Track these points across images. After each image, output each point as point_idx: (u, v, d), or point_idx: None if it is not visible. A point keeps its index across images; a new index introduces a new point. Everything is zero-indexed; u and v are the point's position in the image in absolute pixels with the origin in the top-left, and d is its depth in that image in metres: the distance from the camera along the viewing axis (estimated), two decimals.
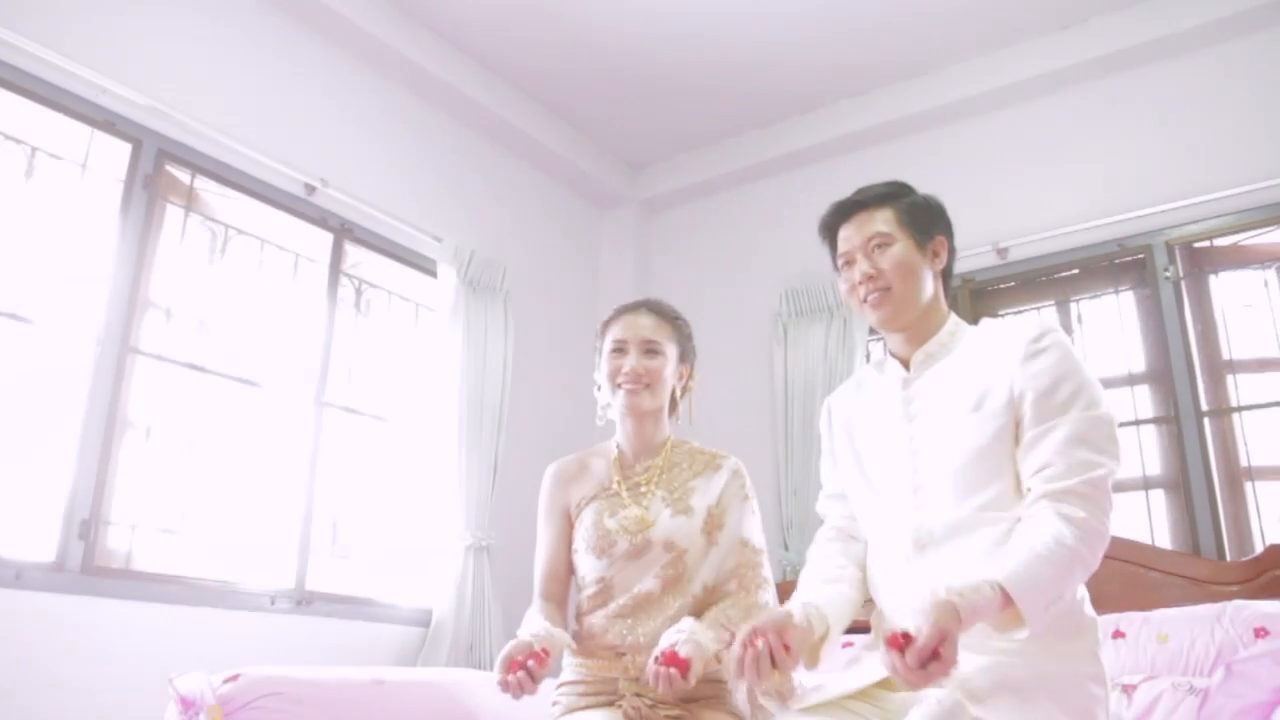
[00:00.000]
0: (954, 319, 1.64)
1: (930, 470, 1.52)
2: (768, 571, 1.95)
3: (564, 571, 2.02)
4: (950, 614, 1.21)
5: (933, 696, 1.31)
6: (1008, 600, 1.26)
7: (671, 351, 2.01)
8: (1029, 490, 1.39)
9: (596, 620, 1.93)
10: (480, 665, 3.41)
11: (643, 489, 1.98)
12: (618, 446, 2.06)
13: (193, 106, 3.09)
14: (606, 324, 2.07)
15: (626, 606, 1.89)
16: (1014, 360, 1.47)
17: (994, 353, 1.52)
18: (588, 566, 1.96)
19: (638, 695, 1.81)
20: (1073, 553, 1.31)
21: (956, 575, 1.43)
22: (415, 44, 3.72)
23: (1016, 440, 1.46)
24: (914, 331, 1.61)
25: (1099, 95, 3.68)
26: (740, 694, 1.89)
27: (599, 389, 2.05)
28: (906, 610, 1.49)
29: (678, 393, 2.07)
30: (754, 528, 1.98)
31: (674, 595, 1.88)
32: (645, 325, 2.00)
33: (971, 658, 1.39)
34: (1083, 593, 1.48)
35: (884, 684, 1.45)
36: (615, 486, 1.99)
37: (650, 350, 1.98)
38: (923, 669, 1.18)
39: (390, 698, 2.08)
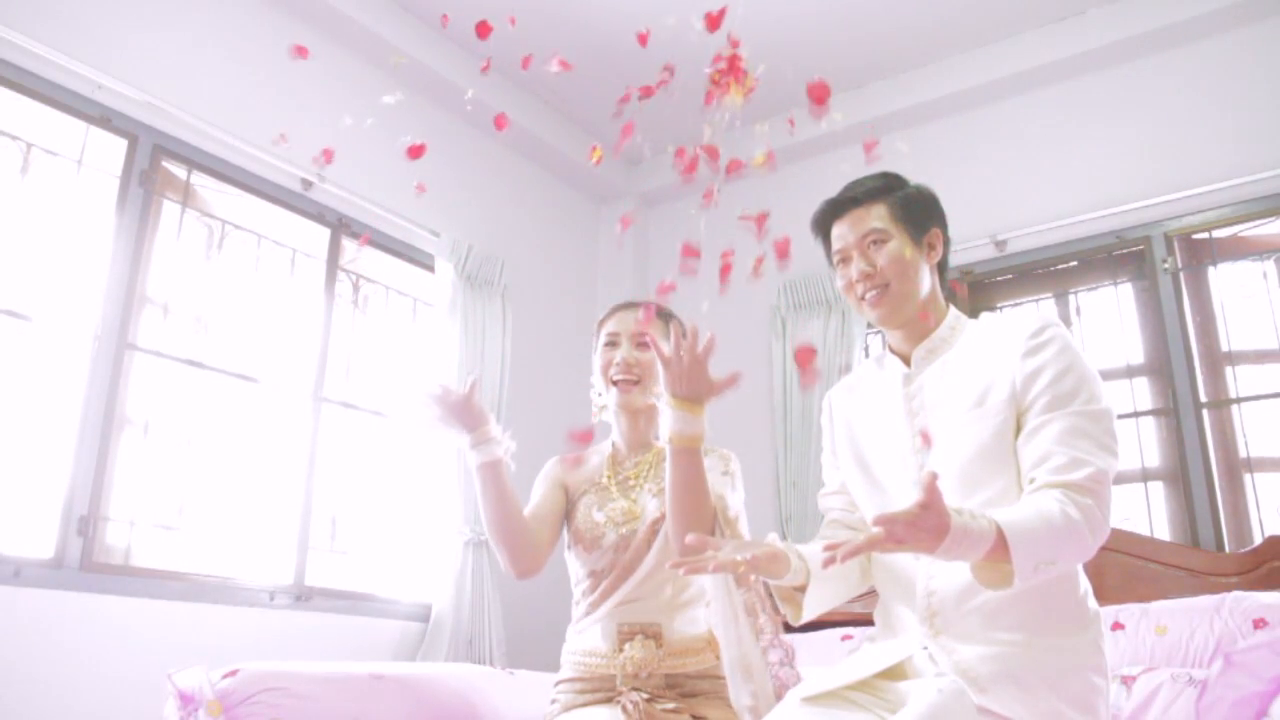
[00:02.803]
0: (953, 312, 1.63)
1: (933, 467, 1.51)
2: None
3: (545, 513, 2.02)
4: (946, 513, 1.21)
5: (934, 685, 1.30)
6: (1000, 545, 1.25)
7: (664, 346, 2.01)
8: (1031, 481, 1.39)
9: (589, 618, 1.93)
10: (480, 660, 3.42)
11: (631, 483, 2.00)
12: (613, 444, 2.09)
13: (189, 102, 3.08)
14: (602, 321, 2.10)
15: (617, 596, 1.90)
16: (1014, 355, 1.47)
17: (995, 348, 1.51)
18: (578, 563, 1.99)
19: (635, 690, 1.81)
20: (1076, 527, 1.29)
21: (956, 570, 1.43)
22: (412, 37, 3.71)
23: (1017, 435, 1.45)
24: (914, 327, 1.60)
25: (1097, 87, 3.68)
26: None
27: (595, 387, 2.07)
28: (912, 605, 1.49)
29: None
30: (734, 500, 1.93)
31: (663, 573, 1.89)
32: (638, 319, 2.01)
33: (974, 648, 1.39)
34: (1086, 586, 1.48)
35: (886, 674, 1.45)
36: (605, 480, 2.02)
37: (643, 343, 1.99)
38: (906, 529, 1.18)
39: (389, 693, 2.08)
